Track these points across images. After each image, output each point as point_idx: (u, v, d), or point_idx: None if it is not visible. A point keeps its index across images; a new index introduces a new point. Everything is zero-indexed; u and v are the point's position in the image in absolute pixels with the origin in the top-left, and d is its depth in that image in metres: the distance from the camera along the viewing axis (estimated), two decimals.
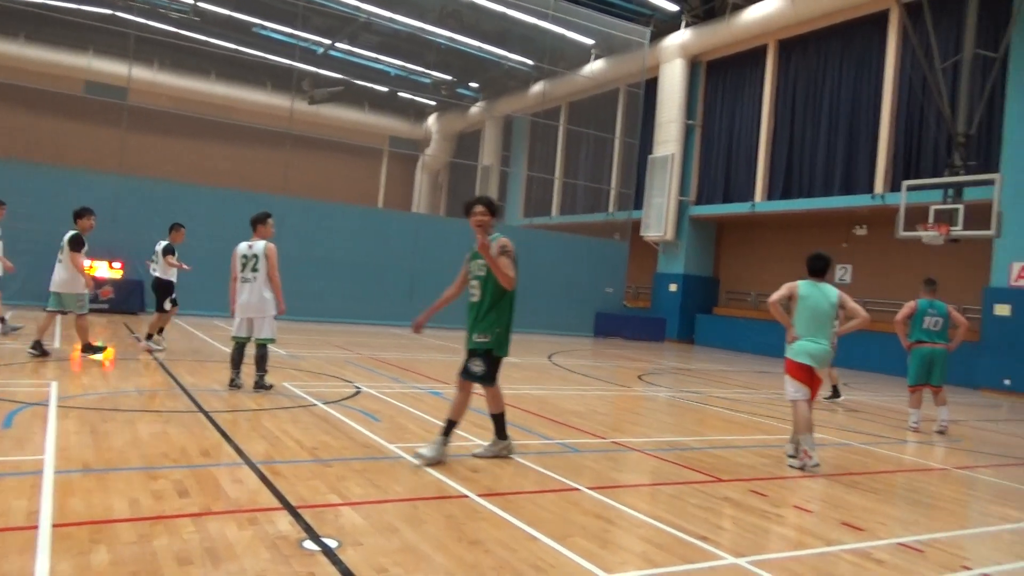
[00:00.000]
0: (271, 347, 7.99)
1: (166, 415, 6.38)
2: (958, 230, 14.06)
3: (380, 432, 6.34)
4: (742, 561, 3.91)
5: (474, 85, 32.51)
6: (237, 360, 7.95)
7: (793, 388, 6.62)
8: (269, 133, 22.23)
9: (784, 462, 6.57)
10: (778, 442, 7.64)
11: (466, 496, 4.64)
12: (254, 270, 7.78)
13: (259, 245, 7.83)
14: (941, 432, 9.26)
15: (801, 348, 6.61)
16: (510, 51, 26.97)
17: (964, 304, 18.29)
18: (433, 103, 33.23)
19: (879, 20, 19.15)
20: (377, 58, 28.76)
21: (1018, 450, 8.72)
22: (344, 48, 28.00)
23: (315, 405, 7.37)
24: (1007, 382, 15.31)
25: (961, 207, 14.14)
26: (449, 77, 30.57)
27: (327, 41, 27.09)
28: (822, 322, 6.64)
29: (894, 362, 17.46)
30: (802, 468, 6.33)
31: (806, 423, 6.43)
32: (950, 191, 14.61)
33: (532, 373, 11.96)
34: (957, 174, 14.79)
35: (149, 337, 10.55)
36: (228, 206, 16.75)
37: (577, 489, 5.05)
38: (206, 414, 6.52)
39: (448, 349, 14.72)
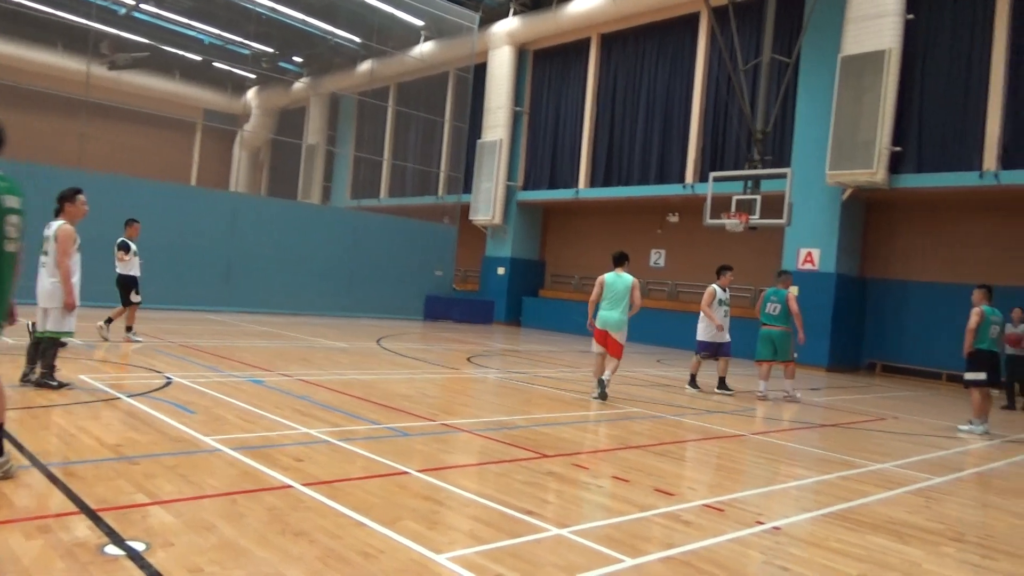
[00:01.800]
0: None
1: None
2: (756, 219, 15.42)
3: (194, 425, 5.93)
4: (565, 531, 4.06)
5: (298, 60, 31.16)
6: (32, 354, 7.08)
7: (594, 346, 9.40)
8: (61, 99, 19.95)
9: (600, 434, 6.95)
10: (599, 418, 8.04)
11: (289, 486, 4.46)
12: (45, 253, 6.94)
13: (55, 225, 6.97)
14: (789, 400, 10.70)
15: (599, 317, 9.31)
16: (336, 27, 26.09)
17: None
18: (253, 76, 31.44)
19: (691, 22, 20.53)
20: (189, 24, 26.70)
21: (803, 416, 9.78)
22: (151, 11, 25.73)
23: (119, 399, 6.76)
24: (795, 356, 17.07)
25: (759, 198, 15.52)
26: (270, 49, 29.04)
27: (131, 1, 24.76)
28: (617, 299, 9.23)
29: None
30: (600, 395, 9.11)
31: (599, 369, 9.33)
32: (749, 183, 15.99)
33: (360, 358, 11.74)
34: (755, 168, 16.23)
35: (129, 330, 11.14)
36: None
37: (406, 472, 5.01)
38: None
39: (271, 335, 14.09)
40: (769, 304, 11.00)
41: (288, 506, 4.10)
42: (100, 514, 3.70)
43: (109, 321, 10.98)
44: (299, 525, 3.81)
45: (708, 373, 11.77)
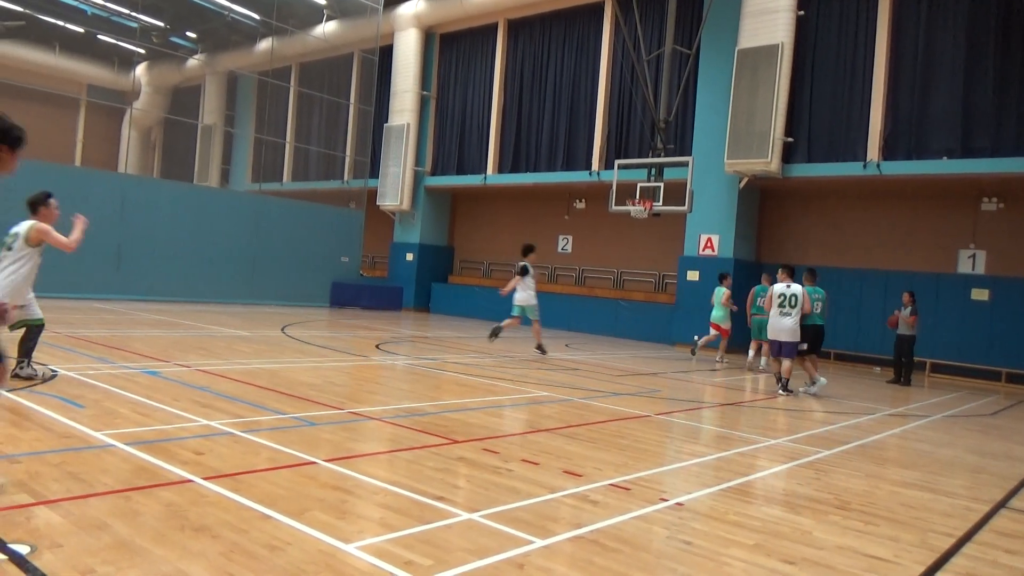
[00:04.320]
0: None
1: None
2: (659, 206, 15.84)
3: (83, 419, 5.60)
4: (476, 516, 4.08)
5: (191, 35, 29.69)
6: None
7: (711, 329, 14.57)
8: None
9: (510, 419, 7.01)
10: (509, 402, 8.10)
11: (189, 481, 4.28)
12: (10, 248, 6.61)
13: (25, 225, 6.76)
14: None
15: (712, 314, 14.67)
16: (233, 2, 25.00)
17: (664, 271, 20.79)
18: (142, 51, 29.77)
19: (596, 10, 20.80)
20: None
21: (704, 395, 10.16)
22: None
23: None
24: (697, 337, 17.71)
25: (661, 185, 15.95)
26: (161, 23, 27.53)
27: None
28: (717, 302, 14.57)
29: (608, 324, 19.38)
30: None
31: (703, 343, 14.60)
32: (653, 171, 16.40)
33: (264, 347, 11.38)
34: (658, 156, 16.64)
35: None
36: None
37: (314, 463, 4.91)
38: None
39: (166, 324, 13.47)
40: (759, 299, 13.41)
41: (188, 501, 3.94)
42: None
43: None
44: (200, 520, 3.67)
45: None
